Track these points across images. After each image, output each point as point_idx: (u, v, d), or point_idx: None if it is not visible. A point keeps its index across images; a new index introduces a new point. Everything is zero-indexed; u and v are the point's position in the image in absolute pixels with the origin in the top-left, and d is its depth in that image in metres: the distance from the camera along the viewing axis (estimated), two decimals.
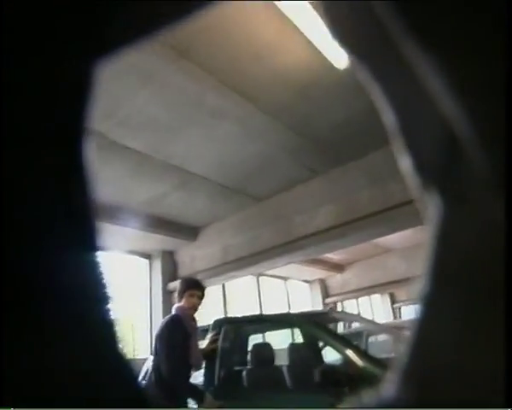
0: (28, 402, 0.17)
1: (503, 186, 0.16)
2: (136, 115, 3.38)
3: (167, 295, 5.71)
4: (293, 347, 3.77)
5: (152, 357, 3.42)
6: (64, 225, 0.20)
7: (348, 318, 3.48)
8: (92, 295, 0.21)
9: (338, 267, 8.38)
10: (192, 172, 4.30)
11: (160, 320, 5.56)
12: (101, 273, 0.21)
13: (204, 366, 2.98)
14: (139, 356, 5.74)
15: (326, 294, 8.61)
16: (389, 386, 0.21)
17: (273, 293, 7.93)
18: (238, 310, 6.98)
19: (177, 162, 4.09)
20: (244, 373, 3.14)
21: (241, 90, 3.19)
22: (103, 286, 0.21)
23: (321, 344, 4.50)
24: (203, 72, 2.97)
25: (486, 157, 0.16)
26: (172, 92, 3.14)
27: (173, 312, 2.87)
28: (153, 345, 2.85)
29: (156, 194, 4.62)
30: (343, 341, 2.54)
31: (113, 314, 0.21)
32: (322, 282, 8.66)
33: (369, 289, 8.42)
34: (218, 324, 3.13)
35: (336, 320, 3.21)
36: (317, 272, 8.24)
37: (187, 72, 2.95)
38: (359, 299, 9.08)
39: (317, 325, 2.77)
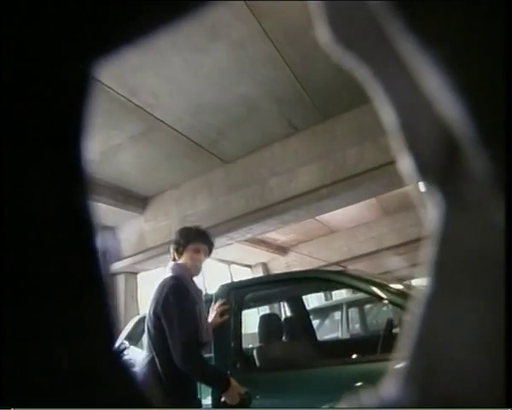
0: (28, 402, 0.17)
1: (503, 186, 0.16)
2: None
3: (110, 278, 4.73)
4: (289, 321, 3.27)
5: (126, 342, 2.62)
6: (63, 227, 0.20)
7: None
8: (92, 290, 0.20)
9: (281, 250, 8.01)
10: (158, 119, 3.50)
11: None
12: (100, 267, 0.21)
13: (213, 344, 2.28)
14: None
15: None
16: (390, 386, 0.21)
17: (217, 278, 7.27)
18: None
19: (144, 102, 3.26)
20: (254, 352, 2.53)
21: None
22: (104, 280, 0.21)
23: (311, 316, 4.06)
24: None
25: (486, 157, 0.16)
26: None
27: (170, 272, 2.13)
28: (147, 320, 2.08)
29: (107, 148, 3.70)
30: (401, 294, 2.07)
31: (112, 310, 0.21)
32: (265, 266, 8.22)
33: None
34: (227, 290, 2.45)
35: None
36: (261, 255, 7.79)
37: None
38: None
39: (362, 279, 2.27)
